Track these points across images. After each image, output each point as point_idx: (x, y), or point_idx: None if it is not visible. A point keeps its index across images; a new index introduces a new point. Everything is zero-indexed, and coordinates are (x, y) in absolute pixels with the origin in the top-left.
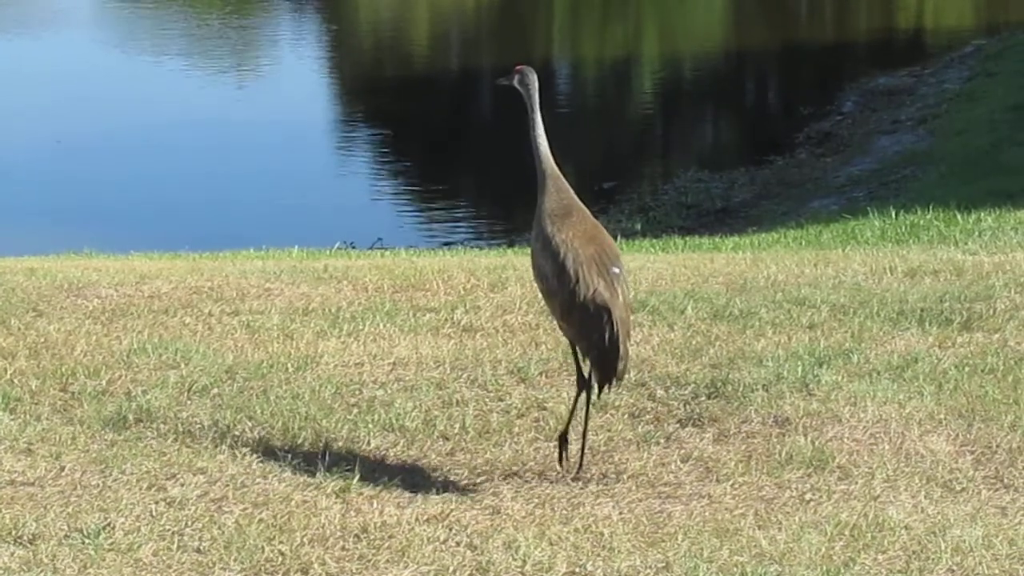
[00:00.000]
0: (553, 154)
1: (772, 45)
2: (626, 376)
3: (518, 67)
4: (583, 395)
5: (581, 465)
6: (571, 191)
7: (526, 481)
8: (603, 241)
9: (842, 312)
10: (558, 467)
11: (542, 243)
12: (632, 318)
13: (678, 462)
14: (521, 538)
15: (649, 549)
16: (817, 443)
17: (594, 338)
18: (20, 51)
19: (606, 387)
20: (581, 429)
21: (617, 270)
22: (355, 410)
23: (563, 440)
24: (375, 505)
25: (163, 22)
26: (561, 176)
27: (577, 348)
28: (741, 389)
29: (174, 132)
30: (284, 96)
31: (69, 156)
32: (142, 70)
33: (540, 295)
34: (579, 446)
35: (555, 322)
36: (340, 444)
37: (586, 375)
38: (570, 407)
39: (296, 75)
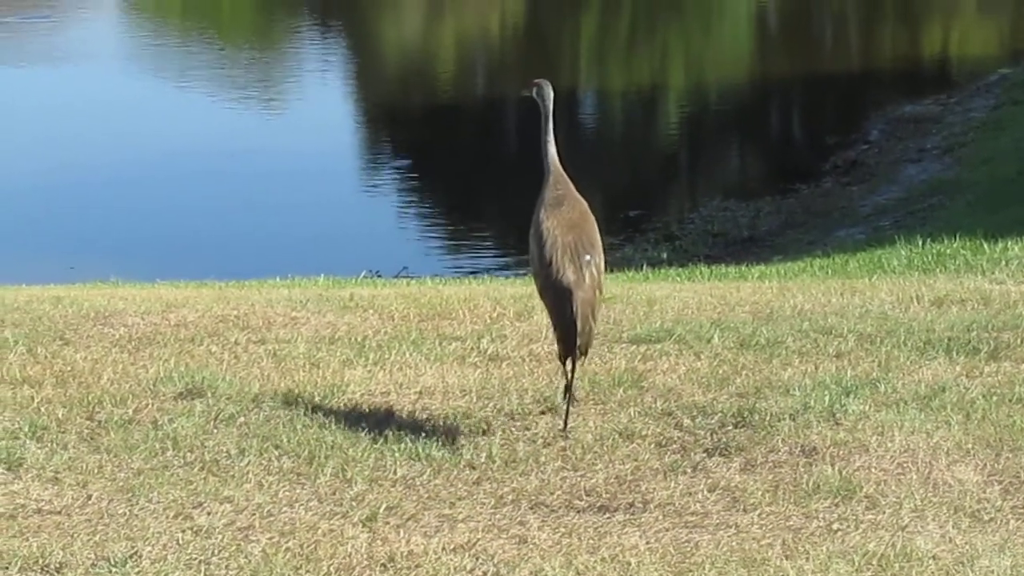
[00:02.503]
0: (563, 161)
1: (798, 74)
2: (589, 352)
3: (536, 80)
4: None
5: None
6: (570, 185)
7: (553, 510)
8: (583, 230)
9: (869, 341)
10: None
11: (534, 230)
12: (601, 300)
13: (705, 491)
14: (548, 568)
15: None
16: (844, 473)
17: (558, 315)
18: (48, 83)
19: (568, 360)
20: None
21: (588, 257)
22: (381, 439)
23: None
24: (402, 534)
25: (188, 52)
26: (563, 173)
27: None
28: (768, 418)
29: (200, 161)
30: (309, 125)
31: (95, 185)
32: (167, 100)
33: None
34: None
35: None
36: (366, 473)
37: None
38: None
39: (321, 104)
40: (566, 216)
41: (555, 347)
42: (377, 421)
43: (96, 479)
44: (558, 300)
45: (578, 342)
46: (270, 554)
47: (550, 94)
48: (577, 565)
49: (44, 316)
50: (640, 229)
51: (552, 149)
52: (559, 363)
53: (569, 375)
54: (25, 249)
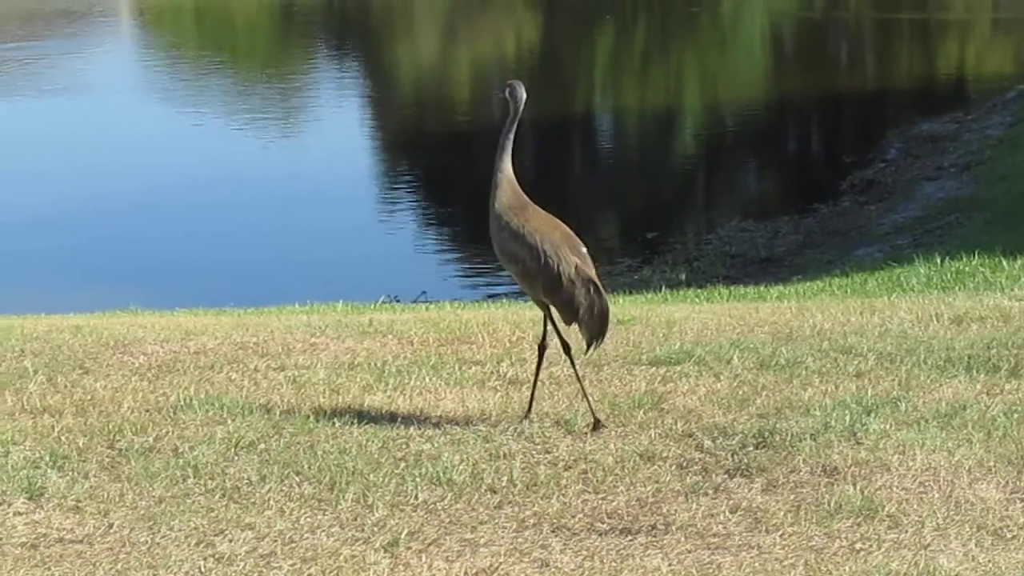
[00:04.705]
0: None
1: (814, 93)
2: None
3: (510, 81)
4: (568, 355)
5: (530, 412)
6: (522, 192)
7: (574, 533)
8: (564, 228)
9: (889, 360)
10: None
11: (510, 232)
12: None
13: (727, 513)
14: None
15: None
16: (866, 492)
17: (584, 306)
18: (66, 113)
19: (593, 346)
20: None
21: (584, 249)
22: (402, 464)
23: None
24: (423, 559)
25: (205, 82)
26: (515, 179)
27: (563, 316)
28: (789, 439)
29: (217, 189)
30: (326, 151)
31: (113, 215)
32: (185, 129)
33: (513, 276)
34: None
35: (531, 296)
36: (388, 498)
37: (544, 345)
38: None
39: (338, 130)
40: (541, 217)
41: (562, 341)
42: (398, 446)
43: (117, 508)
44: (580, 292)
45: (605, 328)
46: None
47: (523, 96)
48: None
49: (64, 345)
50: (658, 251)
51: (509, 153)
52: (585, 349)
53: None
54: (45, 278)
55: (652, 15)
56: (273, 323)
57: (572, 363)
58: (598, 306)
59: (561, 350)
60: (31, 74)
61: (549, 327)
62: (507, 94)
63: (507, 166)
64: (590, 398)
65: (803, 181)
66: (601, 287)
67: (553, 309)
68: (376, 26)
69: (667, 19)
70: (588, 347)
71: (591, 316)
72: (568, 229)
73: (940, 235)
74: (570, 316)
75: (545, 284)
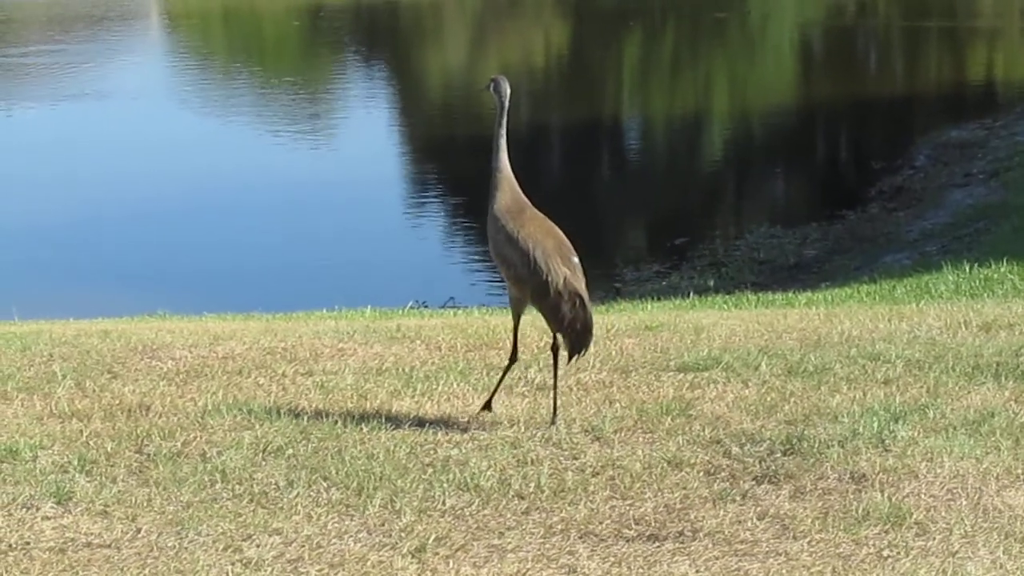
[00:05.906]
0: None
1: (842, 99)
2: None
3: (494, 76)
4: (514, 364)
5: (555, 417)
6: (521, 192)
7: (602, 540)
8: (558, 235)
9: (917, 367)
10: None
11: (505, 236)
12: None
13: (754, 519)
14: None
15: None
16: (894, 499)
17: (569, 318)
18: (96, 119)
19: (575, 357)
20: (552, 390)
21: (576, 259)
22: (430, 469)
23: (487, 406)
24: (451, 565)
25: (232, 88)
26: (514, 178)
27: (548, 324)
28: (817, 445)
29: (246, 194)
30: (355, 156)
31: (141, 220)
32: (213, 135)
33: (504, 279)
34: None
35: (515, 298)
36: (415, 504)
37: (558, 345)
38: (500, 376)
39: (367, 135)
40: (537, 222)
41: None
42: (425, 452)
43: (145, 512)
44: (567, 304)
45: (588, 341)
46: None
47: (507, 90)
48: None
49: (92, 350)
50: (686, 257)
51: (504, 151)
52: (567, 360)
53: (555, 368)
54: (73, 283)
55: (680, 21)
56: (301, 328)
57: (556, 364)
58: (582, 320)
59: (550, 347)
60: (59, 79)
61: (545, 329)
62: (491, 89)
63: (504, 164)
64: (497, 391)
65: (832, 187)
66: (587, 300)
67: (539, 314)
68: (404, 31)
69: (695, 25)
70: (569, 358)
71: (573, 329)
72: (563, 236)
73: (968, 242)
74: (555, 326)
75: (533, 291)
